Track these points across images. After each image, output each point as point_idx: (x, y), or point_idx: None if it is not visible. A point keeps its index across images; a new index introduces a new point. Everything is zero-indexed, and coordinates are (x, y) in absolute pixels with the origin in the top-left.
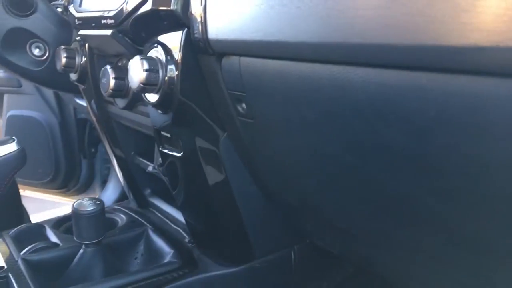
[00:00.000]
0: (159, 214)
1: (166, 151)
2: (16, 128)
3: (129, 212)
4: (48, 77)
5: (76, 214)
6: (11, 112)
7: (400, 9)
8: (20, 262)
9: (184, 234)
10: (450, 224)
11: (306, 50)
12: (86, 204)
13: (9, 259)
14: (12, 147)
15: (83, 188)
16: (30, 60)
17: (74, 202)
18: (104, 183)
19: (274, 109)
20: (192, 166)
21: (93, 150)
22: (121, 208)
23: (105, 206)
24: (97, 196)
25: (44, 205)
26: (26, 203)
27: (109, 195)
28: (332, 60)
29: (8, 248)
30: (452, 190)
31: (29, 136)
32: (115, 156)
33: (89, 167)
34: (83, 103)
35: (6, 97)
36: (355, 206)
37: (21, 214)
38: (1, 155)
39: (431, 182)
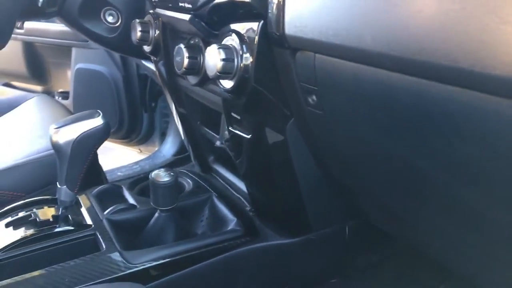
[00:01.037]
0: (221, 181)
1: (235, 131)
2: (83, 80)
3: (194, 177)
4: (120, 43)
5: (153, 183)
6: (78, 65)
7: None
8: (104, 221)
9: (246, 203)
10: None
11: (385, 61)
12: (162, 175)
13: (95, 218)
14: (98, 121)
15: (143, 140)
16: (104, 27)
17: (152, 172)
18: (163, 135)
19: (346, 107)
20: (258, 147)
21: (153, 104)
22: (187, 173)
23: (167, 162)
24: (156, 148)
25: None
26: None
27: (168, 148)
28: (412, 73)
29: (93, 207)
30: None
31: (95, 89)
32: (182, 124)
33: (150, 120)
34: (146, 63)
35: (74, 50)
36: (414, 199)
37: (99, 174)
38: (89, 128)
39: (497, 194)
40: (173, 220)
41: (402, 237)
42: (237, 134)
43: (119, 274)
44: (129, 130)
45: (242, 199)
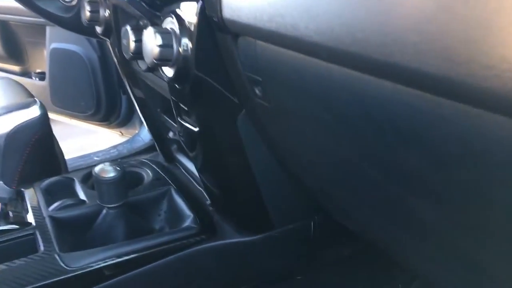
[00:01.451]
0: (184, 172)
1: (184, 123)
2: (58, 61)
3: (155, 167)
4: (77, 23)
5: (97, 179)
6: (53, 45)
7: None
8: (47, 219)
9: (207, 196)
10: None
11: (321, 52)
12: (108, 169)
13: (37, 215)
14: (34, 111)
15: (123, 122)
16: (59, 5)
17: (96, 167)
18: None
19: (289, 100)
20: (209, 140)
21: None
22: (149, 163)
23: (146, 146)
24: (136, 131)
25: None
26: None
27: (147, 132)
28: (349, 66)
29: (38, 203)
30: (454, 214)
31: (71, 69)
32: (141, 110)
33: (129, 103)
34: None
35: (48, 29)
36: (362, 201)
37: (57, 163)
38: (24, 120)
39: (438, 203)
40: (123, 217)
41: (360, 234)
42: (186, 126)
43: (55, 279)
44: (107, 113)
45: (203, 191)
